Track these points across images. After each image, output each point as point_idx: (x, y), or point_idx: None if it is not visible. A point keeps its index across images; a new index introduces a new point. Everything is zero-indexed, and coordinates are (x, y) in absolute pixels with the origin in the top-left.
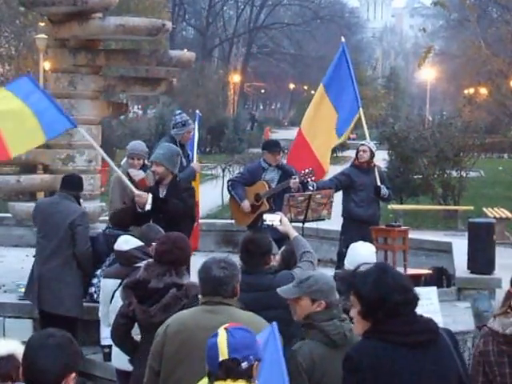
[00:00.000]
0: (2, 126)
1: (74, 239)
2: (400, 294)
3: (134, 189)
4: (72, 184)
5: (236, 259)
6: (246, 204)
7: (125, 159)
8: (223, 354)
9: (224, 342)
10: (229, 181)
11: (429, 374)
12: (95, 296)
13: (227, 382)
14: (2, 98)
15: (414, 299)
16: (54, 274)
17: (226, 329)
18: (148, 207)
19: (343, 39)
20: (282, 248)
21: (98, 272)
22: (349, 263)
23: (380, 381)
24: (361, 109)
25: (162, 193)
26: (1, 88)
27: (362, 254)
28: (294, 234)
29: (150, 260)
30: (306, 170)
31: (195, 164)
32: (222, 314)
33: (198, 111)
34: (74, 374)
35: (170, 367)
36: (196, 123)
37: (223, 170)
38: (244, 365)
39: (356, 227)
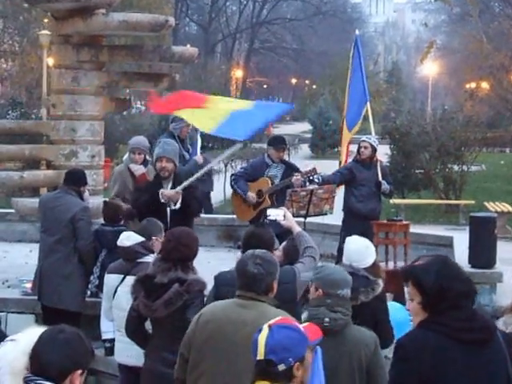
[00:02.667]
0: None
1: (75, 234)
2: (462, 284)
3: (167, 190)
4: (74, 179)
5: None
6: (251, 195)
7: (127, 154)
8: (260, 353)
9: (263, 340)
10: (232, 175)
11: (478, 373)
12: (89, 293)
13: (265, 382)
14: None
15: (474, 291)
16: (54, 268)
17: (269, 326)
18: (178, 206)
19: (357, 32)
20: (284, 243)
21: (93, 269)
22: (345, 258)
23: (427, 372)
24: (368, 103)
25: (167, 187)
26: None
27: (353, 248)
28: (297, 229)
29: (158, 255)
30: (309, 168)
31: (197, 156)
32: (253, 310)
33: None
34: (79, 371)
35: (197, 357)
36: (198, 133)
37: (225, 166)
38: (280, 367)
39: (356, 222)
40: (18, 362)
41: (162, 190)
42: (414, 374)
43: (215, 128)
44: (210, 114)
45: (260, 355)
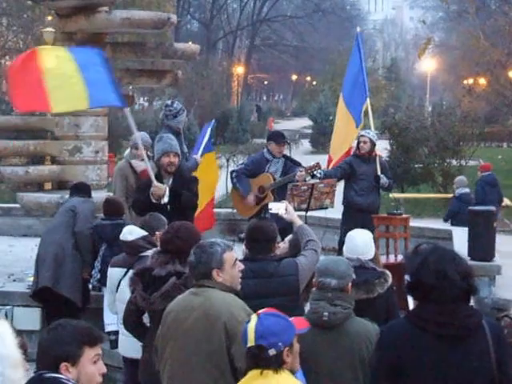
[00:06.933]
0: (48, 81)
1: (74, 221)
2: (437, 278)
3: (154, 181)
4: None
5: (236, 248)
6: (251, 198)
7: (128, 150)
8: (251, 340)
9: (252, 328)
10: (232, 172)
11: (452, 368)
12: (90, 287)
13: (257, 371)
14: (57, 56)
15: (454, 288)
16: (48, 250)
17: (258, 315)
18: (166, 200)
19: (358, 29)
20: (289, 236)
21: (94, 263)
22: (349, 251)
23: (399, 362)
24: (368, 99)
25: (168, 182)
26: (61, 47)
27: (360, 241)
28: (298, 222)
29: (157, 248)
30: (312, 163)
31: (197, 156)
32: (201, 296)
33: (213, 121)
34: (88, 350)
35: (162, 346)
36: (209, 129)
37: (227, 160)
38: (271, 351)
39: (356, 215)
40: (15, 354)
41: (150, 190)
42: (387, 363)
43: (89, 102)
44: (70, 90)
45: (250, 342)
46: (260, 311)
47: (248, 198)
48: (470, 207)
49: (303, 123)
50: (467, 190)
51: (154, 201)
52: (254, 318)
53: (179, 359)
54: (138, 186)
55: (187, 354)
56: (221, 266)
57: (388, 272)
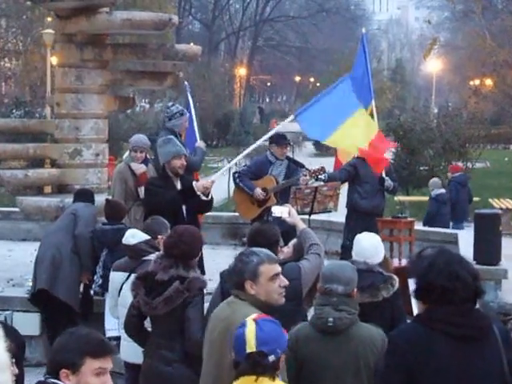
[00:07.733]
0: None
1: (75, 225)
2: (449, 280)
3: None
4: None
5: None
6: (259, 191)
7: (127, 153)
8: (251, 346)
9: (252, 334)
10: (235, 173)
11: (467, 370)
12: (92, 292)
13: (251, 377)
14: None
15: (466, 289)
16: (46, 253)
17: (254, 320)
18: (210, 197)
19: (364, 30)
20: (294, 240)
21: (96, 268)
22: (355, 254)
23: (414, 366)
24: (373, 100)
25: (177, 184)
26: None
27: (367, 245)
28: (302, 226)
29: (160, 253)
30: (317, 167)
31: (200, 143)
32: (231, 308)
33: (186, 82)
34: (90, 360)
35: (203, 349)
36: (188, 93)
37: (229, 163)
38: (271, 358)
39: (359, 218)
40: (2, 357)
41: (195, 183)
42: (401, 368)
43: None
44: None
45: (250, 348)
46: (253, 316)
47: (255, 192)
48: (476, 210)
49: None
50: (442, 190)
51: (198, 192)
52: (250, 322)
53: (206, 366)
54: (153, 184)
55: (212, 363)
56: (255, 278)
57: (395, 277)
